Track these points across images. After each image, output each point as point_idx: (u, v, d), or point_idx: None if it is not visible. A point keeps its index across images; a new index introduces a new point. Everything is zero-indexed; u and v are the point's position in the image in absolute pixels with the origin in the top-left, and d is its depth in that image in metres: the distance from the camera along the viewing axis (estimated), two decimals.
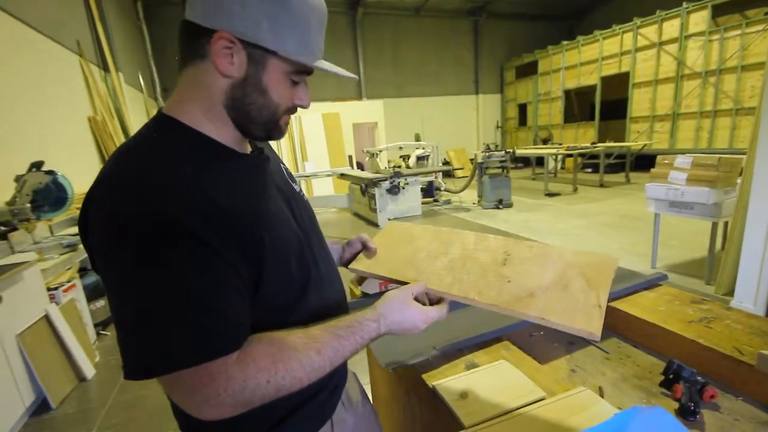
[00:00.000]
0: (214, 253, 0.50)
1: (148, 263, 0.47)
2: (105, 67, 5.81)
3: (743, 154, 2.98)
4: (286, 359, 0.53)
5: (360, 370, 1.42)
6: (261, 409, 0.54)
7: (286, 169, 0.77)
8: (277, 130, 0.63)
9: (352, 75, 0.67)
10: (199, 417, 0.50)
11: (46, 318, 2.34)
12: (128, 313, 0.48)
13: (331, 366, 0.57)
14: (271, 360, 0.52)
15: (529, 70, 12.39)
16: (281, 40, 0.55)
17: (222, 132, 0.60)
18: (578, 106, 11.37)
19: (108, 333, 3.12)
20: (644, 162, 8.73)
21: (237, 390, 0.49)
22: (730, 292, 2.67)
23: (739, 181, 2.91)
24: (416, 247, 0.84)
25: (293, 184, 0.74)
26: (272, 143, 0.78)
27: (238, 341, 0.51)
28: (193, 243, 0.48)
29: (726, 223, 3.29)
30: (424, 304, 0.68)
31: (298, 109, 0.65)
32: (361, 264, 0.86)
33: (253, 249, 0.55)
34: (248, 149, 0.67)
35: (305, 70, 0.60)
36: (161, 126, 0.58)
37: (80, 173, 4.20)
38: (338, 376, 0.74)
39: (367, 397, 0.88)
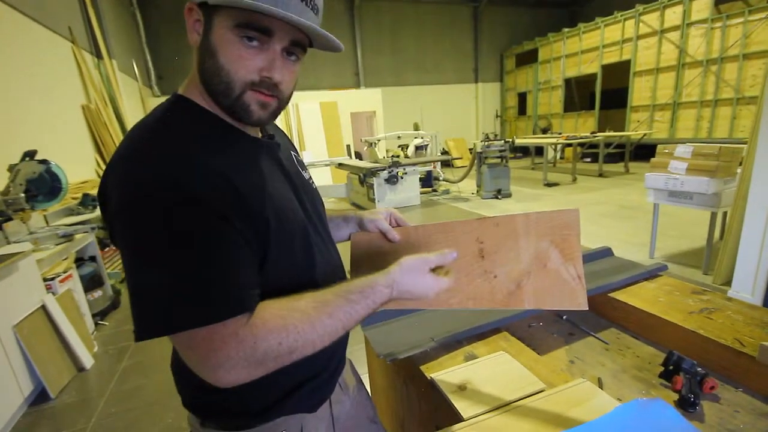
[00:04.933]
0: (227, 223, 0.51)
1: (163, 228, 0.49)
2: (98, 54, 5.70)
3: (743, 143, 2.95)
4: (297, 321, 0.53)
5: (357, 360, 1.40)
6: (261, 386, 0.55)
7: (297, 157, 0.76)
8: (242, 108, 0.56)
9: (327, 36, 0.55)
10: (217, 383, 0.50)
11: (43, 308, 2.33)
12: (143, 276, 0.50)
13: (343, 329, 0.56)
14: (282, 323, 0.52)
15: (529, 58, 12.23)
16: None
17: (219, 110, 0.60)
18: (578, 94, 11.27)
19: (106, 323, 3.12)
20: (643, 152, 8.70)
21: (248, 352, 0.50)
22: (728, 282, 2.68)
23: (739, 171, 2.89)
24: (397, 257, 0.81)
25: (303, 173, 0.74)
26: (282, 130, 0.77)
27: (248, 304, 0.52)
28: (205, 212, 0.50)
29: (724, 213, 3.28)
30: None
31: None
32: None
33: (259, 226, 0.56)
34: (258, 134, 0.66)
35: (251, 23, 0.51)
36: (173, 105, 0.59)
37: (74, 162, 4.15)
38: (338, 359, 0.74)
39: (363, 385, 0.88)
